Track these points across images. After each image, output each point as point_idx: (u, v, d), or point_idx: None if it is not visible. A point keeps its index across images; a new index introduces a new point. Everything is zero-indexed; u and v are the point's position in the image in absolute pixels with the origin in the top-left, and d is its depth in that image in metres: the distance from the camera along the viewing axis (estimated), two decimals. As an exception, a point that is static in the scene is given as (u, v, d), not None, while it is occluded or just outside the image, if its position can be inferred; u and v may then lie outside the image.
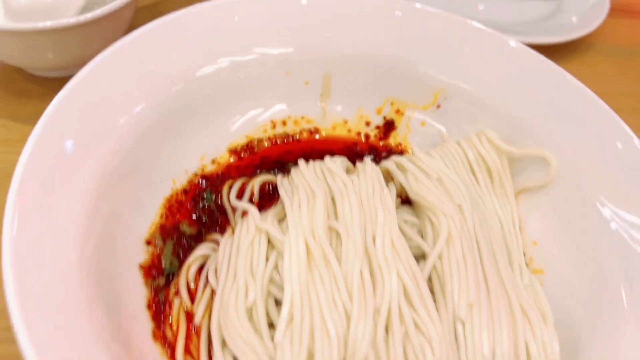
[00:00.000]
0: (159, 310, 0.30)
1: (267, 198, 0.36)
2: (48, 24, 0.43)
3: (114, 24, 0.44)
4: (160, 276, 0.32)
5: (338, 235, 0.30)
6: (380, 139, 0.41)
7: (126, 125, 0.34)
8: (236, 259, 0.31)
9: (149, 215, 0.34)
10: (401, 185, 0.35)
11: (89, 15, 0.43)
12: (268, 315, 0.29)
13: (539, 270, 0.35)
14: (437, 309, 0.29)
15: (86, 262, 0.28)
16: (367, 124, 0.42)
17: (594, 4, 0.60)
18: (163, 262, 0.32)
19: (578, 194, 0.34)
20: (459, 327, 0.29)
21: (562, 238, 0.35)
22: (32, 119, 0.30)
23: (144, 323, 0.30)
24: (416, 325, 0.28)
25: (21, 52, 0.47)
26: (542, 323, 0.30)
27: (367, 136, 0.42)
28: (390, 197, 0.33)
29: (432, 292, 0.30)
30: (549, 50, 0.54)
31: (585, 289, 0.32)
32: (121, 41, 0.35)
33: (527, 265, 0.35)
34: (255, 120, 0.40)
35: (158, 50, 0.35)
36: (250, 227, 0.32)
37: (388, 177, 0.37)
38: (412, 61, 0.40)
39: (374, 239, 0.30)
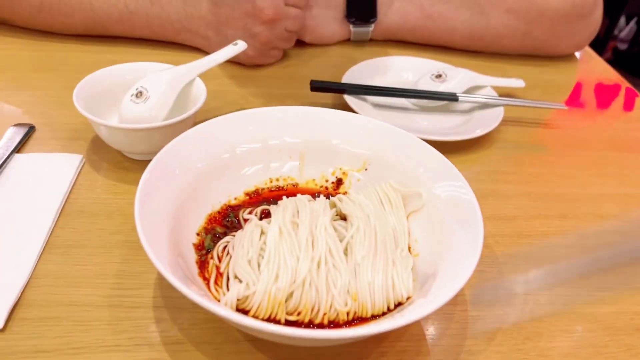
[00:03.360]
0: (201, 264, 0.57)
1: (265, 217, 0.63)
2: (142, 126, 0.71)
3: (185, 124, 0.73)
4: (203, 250, 0.58)
5: (297, 225, 0.57)
6: (334, 189, 0.69)
7: (191, 175, 0.62)
8: (243, 239, 0.57)
9: (198, 222, 0.61)
10: (339, 209, 0.63)
11: (169, 122, 0.71)
12: (258, 264, 0.55)
13: (415, 254, 0.60)
14: (346, 261, 0.55)
15: (169, 234, 0.54)
16: (326, 181, 0.70)
17: (492, 116, 0.90)
18: (205, 243, 0.59)
19: (435, 211, 0.61)
20: (357, 268, 0.54)
21: (428, 235, 0.61)
22: (132, 182, 0.59)
23: (194, 269, 0.56)
24: (334, 266, 0.53)
25: (125, 142, 0.73)
26: (404, 270, 0.55)
27: (326, 188, 0.69)
28: (329, 211, 0.60)
29: (345, 255, 0.56)
30: (461, 145, 0.83)
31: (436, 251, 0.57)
32: (191, 130, 0.65)
33: (409, 251, 0.60)
34: (261, 177, 0.68)
35: (214, 134, 0.64)
36: (251, 224, 0.59)
37: (334, 206, 0.64)
38: (350, 146, 0.69)
39: (316, 227, 0.57)
